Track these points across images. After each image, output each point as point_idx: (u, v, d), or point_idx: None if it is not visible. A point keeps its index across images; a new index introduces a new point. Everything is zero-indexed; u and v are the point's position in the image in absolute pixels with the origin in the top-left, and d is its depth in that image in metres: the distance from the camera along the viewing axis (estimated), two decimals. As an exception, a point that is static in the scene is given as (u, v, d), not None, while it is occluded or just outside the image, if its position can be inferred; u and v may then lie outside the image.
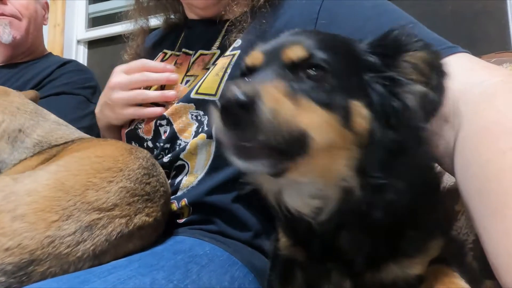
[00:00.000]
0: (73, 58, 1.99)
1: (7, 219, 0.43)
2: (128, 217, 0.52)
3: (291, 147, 0.34)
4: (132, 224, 0.52)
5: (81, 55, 2.11)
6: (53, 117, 0.81)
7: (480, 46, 1.34)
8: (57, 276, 0.44)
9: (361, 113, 0.38)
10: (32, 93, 0.90)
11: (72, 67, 1.21)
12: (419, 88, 0.39)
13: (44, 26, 1.99)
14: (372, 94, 0.39)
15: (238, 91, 0.31)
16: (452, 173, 0.45)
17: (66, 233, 0.45)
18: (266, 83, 0.35)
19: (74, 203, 0.47)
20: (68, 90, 1.09)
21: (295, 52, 0.39)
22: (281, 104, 0.33)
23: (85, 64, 2.11)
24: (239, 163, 0.35)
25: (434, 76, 0.40)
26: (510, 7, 1.40)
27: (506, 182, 0.34)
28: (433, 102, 0.39)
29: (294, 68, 0.39)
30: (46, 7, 1.38)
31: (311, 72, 0.38)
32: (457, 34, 1.42)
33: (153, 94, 0.76)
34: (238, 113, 0.32)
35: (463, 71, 0.47)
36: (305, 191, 0.40)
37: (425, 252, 0.44)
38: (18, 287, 0.41)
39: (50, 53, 1.37)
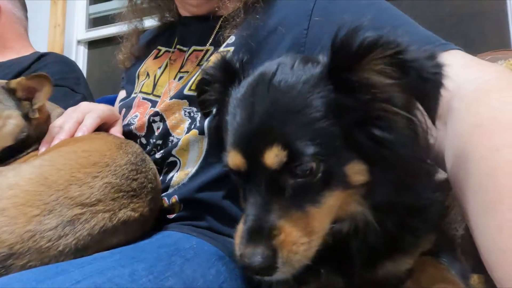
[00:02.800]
0: (73, 58, 2.01)
1: (-12, 213, 0.44)
2: (112, 212, 0.52)
3: None
4: (116, 219, 0.52)
5: (81, 56, 2.13)
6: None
7: (478, 47, 1.33)
8: (38, 269, 0.44)
9: (357, 170, 0.36)
10: None
11: (52, 58, 1.18)
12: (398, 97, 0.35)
13: (44, 27, 2.02)
14: (361, 138, 0.36)
15: (257, 259, 0.34)
16: (444, 168, 0.45)
17: (47, 228, 0.45)
18: (275, 226, 0.35)
19: (57, 197, 0.48)
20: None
21: (274, 159, 0.35)
22: (295, 248, 0.35)
23: (85, 64, 2.13)
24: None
25: (403, 73, 0.34)
26: (510, 8, 1.38)
27: (500, 178, 0.33)
28: (426, 98, 0.35)
29: (282, 171, 0.35)
30: None
31: (299, 171, 0.35)
32: (456, 34, 1.41)
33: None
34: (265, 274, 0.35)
35: (456, 68, 0.47)
36: None
37: (418, 247, 0.44)
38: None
39: (35, 52, 1.33)
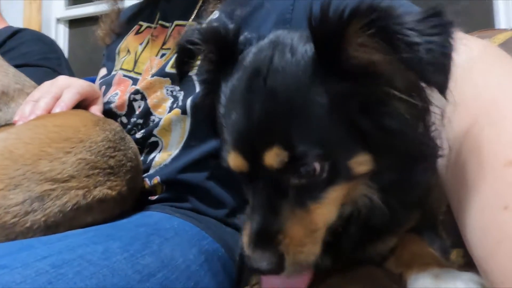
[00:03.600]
0: (53, 37, 1.91)
1: None
2: (86, 189, 0.49)
3: None
4: (91, 196, 0.50)
5: (61, 35, 2.03)
6: (33, 83, 0.75)
7: (464, 27, 1.32)
8: (2, 246, 0.41)
9: (361, 162, 0.34)
10: None
11: (28, 35, 1.11)
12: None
13: (18, 2, 1.90)
14: (364, 127, 0.32)
15: (265, 264, 0.33)
16: None
17: (13, 203, 0.43)
18: (280, 229, 0.34)
19: (24, 172, 0.45)
20: (31, 62, 0.98)
21: (275, 160, 0.32)
22: (301, 249, 0.34)
23: (66, 45, 2.04)
24: None
25: (389, 44, 0.28)
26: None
27: (483, 157, 0.33)
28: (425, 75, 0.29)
29: (285, 172, 0.33)
30: None
31: (303, 172, 0.33)
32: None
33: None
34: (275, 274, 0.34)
35: None
36: None
37: (405, 226, 0.44)
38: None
39: (9, 27, 1.25)
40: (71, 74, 1.13)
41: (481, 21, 1.39)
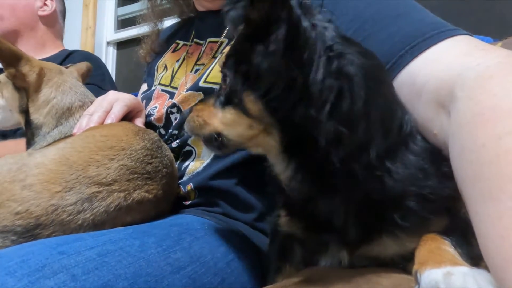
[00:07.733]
0: (103, 59, 2.13)
1: (17, 187, 0.50)
2: (126, 192, 0.56)
3: (212, 140, 0.48)
4: (131, 199, 0.56)
5: (110, 56, 2.26)
6: (93, 98, 0.84)
7: (500, 31, 1.23)
8: (60, 240, 0.48)
9: (250, 100, 0.42)
10: (84, 65, 0.94)
11: (77, 57, 1.24)
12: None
13: (76, 29, 2.16)
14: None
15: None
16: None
17: (68, 203, 0.50)
18: (201, 104, 0.52)
19: (76, 176, 0.52)
20: None
21: (220, 62, 0.49)
22: (195, 117, 0.50)
23: (114, 64, 2.26)
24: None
25: None
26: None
27: (502, 167, 0.32)
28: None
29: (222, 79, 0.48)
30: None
31: (224, 82, 0.47)
32: (490, 16, 1.31)
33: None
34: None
35: (459, 54, 0.45)
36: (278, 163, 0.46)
37: (426, 228, 0.44)
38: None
39: (64, 50, 1.41)
40: (113, 86, 1.25)
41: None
